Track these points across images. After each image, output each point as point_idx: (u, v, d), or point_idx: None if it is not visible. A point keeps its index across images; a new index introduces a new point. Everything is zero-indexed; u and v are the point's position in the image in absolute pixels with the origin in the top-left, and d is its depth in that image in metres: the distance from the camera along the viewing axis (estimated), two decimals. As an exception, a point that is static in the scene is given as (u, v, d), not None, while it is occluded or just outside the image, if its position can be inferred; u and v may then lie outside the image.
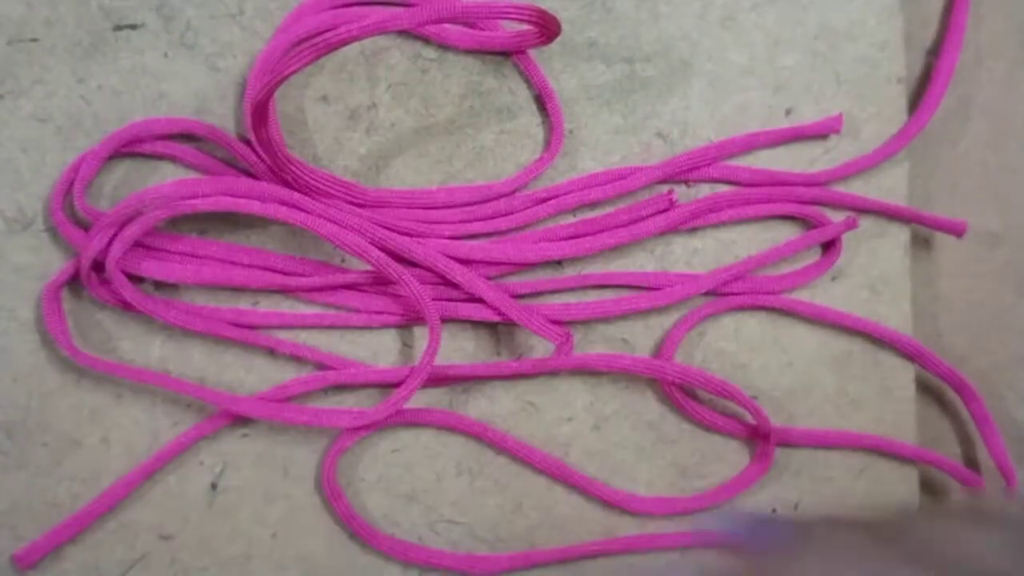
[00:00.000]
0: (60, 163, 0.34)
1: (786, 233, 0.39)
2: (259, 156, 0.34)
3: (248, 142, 0.35)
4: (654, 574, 0.38)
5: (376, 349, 0.37)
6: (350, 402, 0.37)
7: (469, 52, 0.37)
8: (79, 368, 0.35)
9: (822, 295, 0.40)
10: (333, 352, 0.36)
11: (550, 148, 0.37)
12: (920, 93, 0.40)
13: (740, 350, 0.39)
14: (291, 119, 0.36)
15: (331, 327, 0.36)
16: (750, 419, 0.38)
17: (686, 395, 0.38)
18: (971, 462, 0.42)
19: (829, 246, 0.39)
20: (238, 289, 0.36)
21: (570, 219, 0.38)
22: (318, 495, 0.37)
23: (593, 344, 0.38)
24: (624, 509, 0.38)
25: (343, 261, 0.36)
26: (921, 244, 0.41)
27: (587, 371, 0.38)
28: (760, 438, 0.38)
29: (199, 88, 0.35)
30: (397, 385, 0.36)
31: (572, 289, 0.38)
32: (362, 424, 0.35)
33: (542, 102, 0.37)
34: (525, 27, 0.35)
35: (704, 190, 0.39)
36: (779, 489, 0.40)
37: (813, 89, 0.39)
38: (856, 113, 0.39)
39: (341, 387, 0.36)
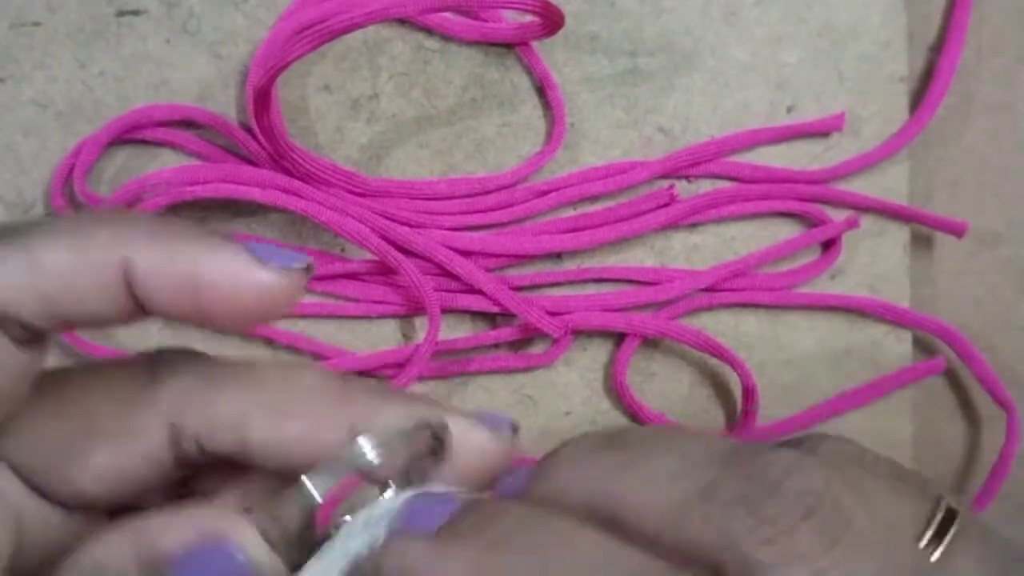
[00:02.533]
0: (61, 148, 0.34)
1: (786, 230, 0.39)
2: (260, 144, 0.34)
3: (249, 130, 0.35)
4: None
5: (375, 339, 0.37)
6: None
7: (472, 43, 0.37)
8: (77, 355, 0.35)
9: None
10: (331, 342, 0.36)
11: (551, 141, 0.37)
12: (921, 90, 0.40)
13: (738, 347, 0.39)
14: (293, 108, 0.36)
15: (330, 316, 0.36)
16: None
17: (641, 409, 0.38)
18: (969, 460, 0.42)
19: (829, 244, 0.39)
20: (237, 277, 0.35)
21: (570, 212, 0.38)
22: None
23: (589, 337, 0.38)
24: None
25: (343, 251, 0.36)
26: (921, 242, 0.41)
27: (584, 364, 0.38)
28: (744, 397, 0.38)
29: (201, 75, 0.35)
30: (394, 376, 0.36)
31: (571, 282, 0.38)
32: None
33: (544, 94, 0.37)
34: (529, 18, 0.35)
35: (705, 186, 0.39)
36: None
37: (815, 86, 0.39)
38: (858, 111, 0.39)
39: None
